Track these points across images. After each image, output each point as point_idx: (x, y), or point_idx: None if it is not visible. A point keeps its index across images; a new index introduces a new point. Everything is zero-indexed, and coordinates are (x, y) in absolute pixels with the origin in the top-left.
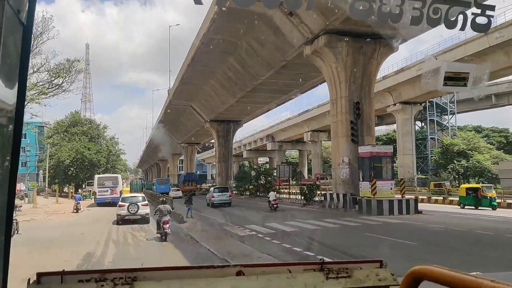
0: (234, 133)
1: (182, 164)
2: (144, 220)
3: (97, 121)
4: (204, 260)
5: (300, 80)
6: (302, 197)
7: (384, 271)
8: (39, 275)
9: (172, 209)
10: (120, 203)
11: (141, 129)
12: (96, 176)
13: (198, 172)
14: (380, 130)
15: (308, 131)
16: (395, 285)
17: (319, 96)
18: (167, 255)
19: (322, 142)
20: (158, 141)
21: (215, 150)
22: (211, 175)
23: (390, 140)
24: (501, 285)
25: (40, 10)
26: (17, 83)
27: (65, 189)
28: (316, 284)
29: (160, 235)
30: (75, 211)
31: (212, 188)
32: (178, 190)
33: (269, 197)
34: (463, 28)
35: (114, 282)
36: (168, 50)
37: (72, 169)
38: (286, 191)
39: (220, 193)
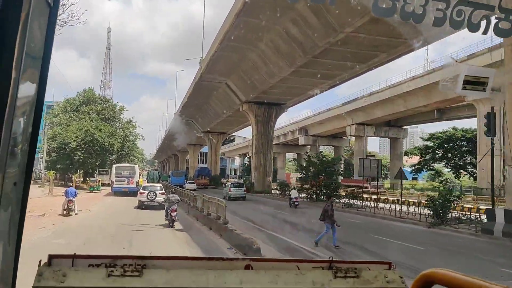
0: (276, 119)
1: (202, 157)
2: (160, 206)
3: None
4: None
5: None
6: (429, 211)
7: (392, 273)
8: (50, 257)
9: (180, 200)
10: (141, 190)
11: (160, 121)
12: (114, 165)
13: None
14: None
15: (352, 124)
16: (404, 287)
17: (342, 95)
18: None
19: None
20: (179, 129)
21: (252, 139)
22: (234, 169)
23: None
24: None
25: None
26: (40, 66)
27: (73, 177)
28: (324, 282)
29: (168, 222)
30: (65, 212)
31: (229, 183)
32: (193, 183)
33: (290, 195)
34: (485, 32)
35: (124, 269)
36: (190, 43)
37: (79, 153)
38: (369, 196)
39: (236, 188)
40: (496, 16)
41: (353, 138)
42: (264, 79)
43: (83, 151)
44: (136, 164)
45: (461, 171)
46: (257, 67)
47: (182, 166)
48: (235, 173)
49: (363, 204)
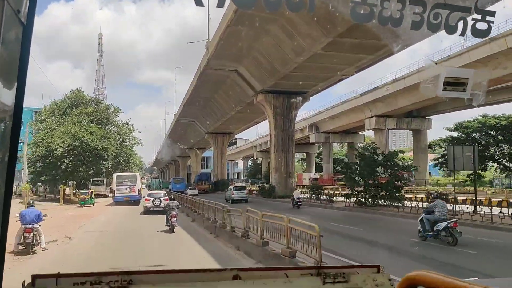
0: (297, 111)
1: (203, 161)
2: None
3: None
4: None
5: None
6: None
7: (381, 276)
8: (34, 277)
9: (180, 205)
10: (146, 197)
11: (158, 128)
12: (115, 174)
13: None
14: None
15: (372, 117)
16: None
17: (337, 94)
18: None
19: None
20: (179, 132)
21: (270, 135)
22: (237, 173)
23: None
24: None
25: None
26: (15, 84)
27: (61, 189)
28: None
29: (168, 227)
30: (22, 248)
31: (232, 187)
32: (194, 189)
33: (293, 195)
34: (463, 33)
35: (109, 285)
36: (185, 50)
37: (66, 161)
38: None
39: (239, 191)
40: (473, 17)
41: (368, 133)
42: (287, 58)
43: (71, 158)
44: (137, 172)
45: (491, 162)
46: (280, 43)
47: (183, 172)
48: (238, 176)
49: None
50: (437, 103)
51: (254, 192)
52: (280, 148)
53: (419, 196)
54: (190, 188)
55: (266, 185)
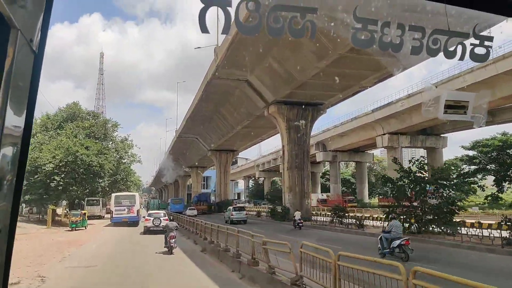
0: (313, 124)
1: (203, 181)
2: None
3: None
4: None
5: None
6: None
7: None
8: None
9: (179, 226)
10: (146, 217)
11: (157, 148)
12: (113, 194)
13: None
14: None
15: (384, 134)
16: None
17: (336, 116)
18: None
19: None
20: (181, 150)
21: (282, 151)
22: (237, 194)
23: None
24: None
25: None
26: (25, 110)
27: (49, 211)
28: None
29: (167, 249)
30: None
31: (231, 208)
32: (193, 209)
33: (294, 216)
34: (462, 58)
35: None
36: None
37: (57, 178)
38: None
39: (238, 212)
40: (471, 42)
41: (377, 152)
42: (307, 63)
43: (63, 176)
44: (136, 192)
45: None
46: (300, 46)
47: (183, 192)
48: (239, 197)
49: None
50: (449, 121)
51: (262, 214)
52: (294, 165)
53: (469, 220)
54: (189, 209)
55: (278, 207)
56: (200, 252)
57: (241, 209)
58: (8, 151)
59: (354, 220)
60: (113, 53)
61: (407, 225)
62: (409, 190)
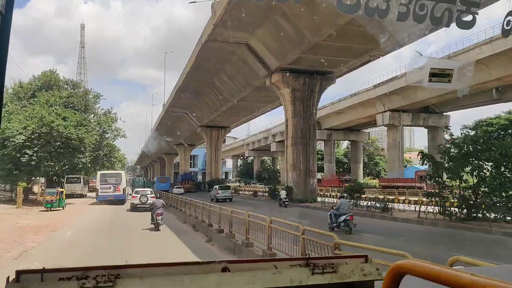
0: (320, 95)
1: (191, 160)
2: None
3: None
4: None
5: None
6: None
7: (369, 266)
8: (18, 273)
9: (165, 204)
10: (133, 194)
11: (142, 128)
12: (99, 172)
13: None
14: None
15: (385, 111)
16: (380, 279)
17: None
18: None
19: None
20: (168, 126)
21: (286, 125)
22: (225, 173)
23: None
24: (480, 278)
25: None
26: None
27: (19, 189)
28: (301, 279)
29: (153, 225)
30: None
31: (217, 187)
32: (180, 188)
33: (280, 195)
34: (448, 24)
35: (96, 280)
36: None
37: (29, 152)
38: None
39: (224, 190)
40: (458, 8)
41: (373, 130)
42: (323, 20)
43: (36, 149)
44: (122, 170)
45: None
46: None
47: (169, 171)
48: (226, 176)
49: None
50: (454, 98)
51: (259, 193)
52: (299, 141)
53: None
54: (176, 187)
55: (280, 186)
56: (186, 227)
57: (227, 188)
58: None
59: (373, 203)
60: (95, 26)
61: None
62: (460, 167)
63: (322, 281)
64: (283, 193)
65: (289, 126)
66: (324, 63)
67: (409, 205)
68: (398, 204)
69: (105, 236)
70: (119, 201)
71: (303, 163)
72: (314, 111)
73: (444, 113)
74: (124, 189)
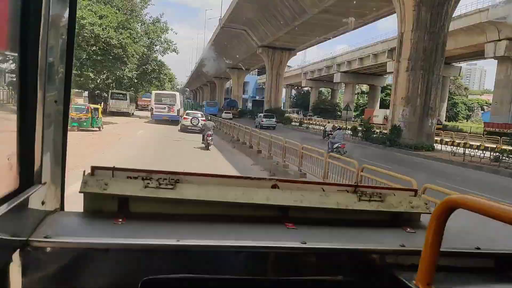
0: (458, 1)
1: (243, 86)
2: (201, 130)
3: None
4: None
5: None
6: None
7: (417, 199)
8: (93, 168)
9: (215, 127)
10: (185, 116)
11: (190, 51)
12: (154, 91)
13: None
14: None
15: (500, 40)
16: (427, 213)
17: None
18: None
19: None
20: (223, 45)
21: (399, 40)
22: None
23: None
24: None
25: None
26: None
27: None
28: (348, 204)
29: (204, 145)
30: None
31: (261, 115)
32: (229, 113)
33: (325, 127)
34: None
35: (159, 182)
36: None
37: None
38: None
39: (268, 119)
40: None
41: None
42: None
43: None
44: (177, 92)
45: None
46: None
47: (220, 95)
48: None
49: None
50: None
51: (349, 132)
52: (419, 65)
53: None
54: (225, 112)
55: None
56: (232, 148)
57: (272, 116)
58: (56, 25)
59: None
60: None
61: None
62: None
63: (368, 208)
64: (329, 126)
65: (405, 42)
66: None
67: None
68: None
69: (161, 150)
70: (173, 121)
71: (421, 96)
72: (447, 23)
73: None
74: (178, 111)
